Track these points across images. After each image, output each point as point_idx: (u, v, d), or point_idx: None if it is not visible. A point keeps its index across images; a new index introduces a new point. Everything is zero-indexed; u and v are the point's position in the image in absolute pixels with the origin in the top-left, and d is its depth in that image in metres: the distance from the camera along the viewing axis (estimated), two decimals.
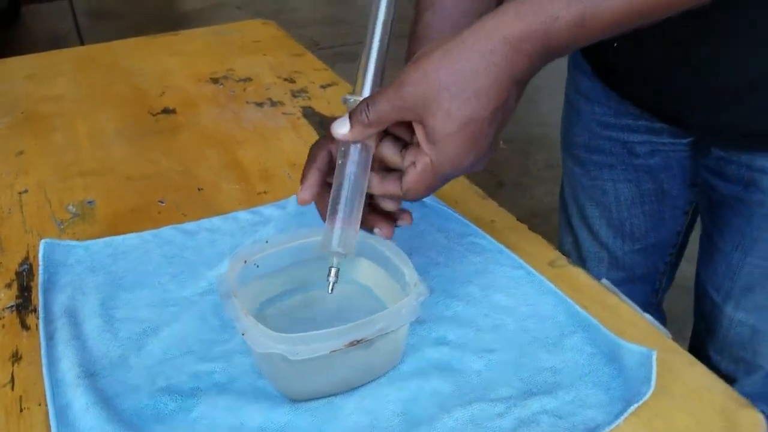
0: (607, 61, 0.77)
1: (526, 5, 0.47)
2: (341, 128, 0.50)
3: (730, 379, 0.92)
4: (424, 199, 0.73)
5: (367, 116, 0.49)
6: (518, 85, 0.48)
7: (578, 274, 0.66)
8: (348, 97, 0.52)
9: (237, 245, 0.68)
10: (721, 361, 0.91)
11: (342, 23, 3.49)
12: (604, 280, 0.65)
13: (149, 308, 0.62)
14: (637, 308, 0.62)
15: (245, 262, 0.55)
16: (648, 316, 0.61)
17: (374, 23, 0.51)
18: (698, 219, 0.91)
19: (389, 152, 0.52)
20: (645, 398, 0.51)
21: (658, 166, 0.83)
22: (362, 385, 0.53)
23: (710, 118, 0.71)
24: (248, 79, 1.05)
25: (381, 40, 0.51)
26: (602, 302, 0.63)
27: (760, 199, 0.74)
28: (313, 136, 0.89)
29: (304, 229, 0.58)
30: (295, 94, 1.01)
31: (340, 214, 0.51)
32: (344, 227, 0.51)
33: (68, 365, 0.55)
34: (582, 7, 0.46)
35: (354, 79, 0.52)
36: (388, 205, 0.54)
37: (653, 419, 0.51)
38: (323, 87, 1.03)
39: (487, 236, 0.69)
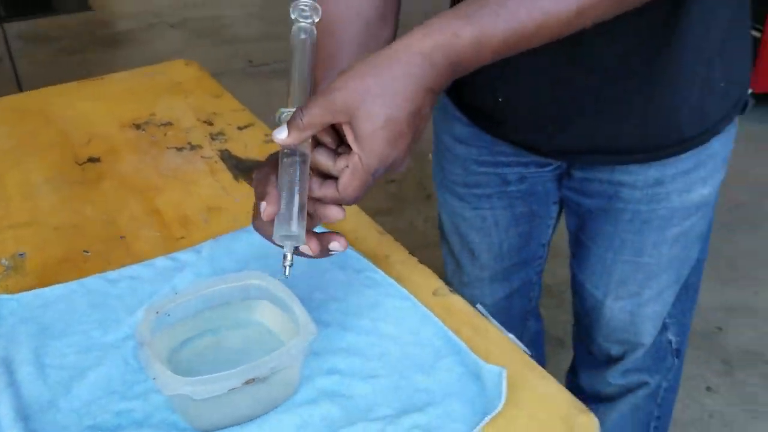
0: (484, 110, 0.88)
1: (432, 25, 0.56)
2: (280, 134, 0.58)
3: (617, 360, 1.06)
4: None
5: (301, 120, 0.56)
6: (431, 93, 0.57)
7: (457, 301, 0.76)
8: (283, 110, 0.60)
9: (155, 291, 0.76)
10: (611, 347, 1.04)
11: (277, 40, 3.55)
12: (478, 306, 0.75)
13: (76, 354, 0.69)
14: (503, 329, 0.72)
15: (157, 312, 0.63)
16: (511, 336, 0.71)
17: (300, 44, 0.61)
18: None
19: (322, 158, 0.60)
20: (497, 410, 0.61)
21: (528, 192, 0.95)
22: (262, 415, 0.61)
23: (575, 143, 0.83)
24: (169, 124, 1.13)
25: (309, 57, 0.61)
26: (474, 326, 0.73)
27: (623, 207, 0.87)
28: (229, 180, 0.98)
29: (209, 280, 0.67)
30: (213, 137, 1.09)
31: (295, 207, 0.58)
32: (298, 216, 0.59)
33: (5, 410, 0.63)
34: (477, 28, 0.55)
35: (286, 95, 0.61)
36: (330, 213, 0.61)
37: (507, 427, 0.61)
38: (240, 128, 1.12)
39: (380, 271, 0.79)
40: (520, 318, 1.15)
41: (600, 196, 0.89)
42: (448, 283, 1.11)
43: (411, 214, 2.25)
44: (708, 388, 1.68)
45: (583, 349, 1.11)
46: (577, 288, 1.03)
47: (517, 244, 1.02)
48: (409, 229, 2.17)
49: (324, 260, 0.80)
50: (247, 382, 0.57)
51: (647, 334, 1.01)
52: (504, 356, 0.69)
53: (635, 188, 0.85)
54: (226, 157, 1.03)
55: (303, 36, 0.61)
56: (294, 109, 0.58)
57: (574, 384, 1.17)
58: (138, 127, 1.12)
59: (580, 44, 0.65)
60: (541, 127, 0.83)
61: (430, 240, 2.24)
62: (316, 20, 0.62)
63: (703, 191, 0.86)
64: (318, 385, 0.64)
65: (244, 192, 0.95)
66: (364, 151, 0.56)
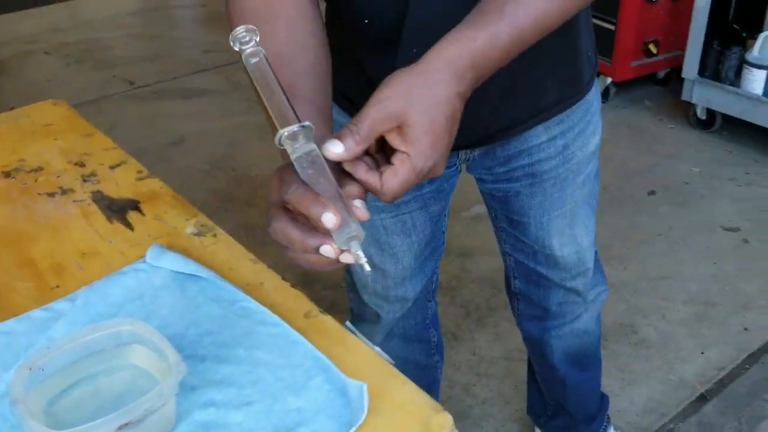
0: None
1: (453, 36, 0.65)
2: (336, 148, 0.61)
3: (578, 293, 1.25)
4: (201, 273, 0.86)
5: (358, 134, 0.61)
6: (461, 97, 0.65)
7: (327, 321, 0.82)
8: (281, 131, 0.61)
9: (31, 344, 0.77)
10: (568, 281, 1.23)
11: (158, 59, 3.51)
12: (347, 323, 0.81)
13: None
14: (369, 343, 0.78)
15: (30, 368, 0.66)
16: (377, 348, 0.78)
17: (256, 68, 0.63)
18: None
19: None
20: (360, 422, 0.67)
21: (437, 190, 1.08)
22: None
23: (507, 122, 0.99)
24: (39, 169, 1.13)
25: (272, 75, 0.64)
26: (344, 343, 0.79)
27: (545, 178, 1.06)
28: (102, 222, 0.99)
29: (82, 330, 0.70)
30: (85, 179, 1.10)
31: (343, 209, 0.61)
32: (351, 216, 0.61)
33: None
34: (487, 31, 0.66)
35: (277, 119, 0.62)
36: (357, 213, 0.63)
37: None
38: (112, 167, 1.13)
39: (254, 300, 0.83)
40: (425, 300, 1.30)
41: (525, 178, 1.05)
42: (369, 293, 1.18)
43: None
44: None
45: (542, 294, 1.27)
46: (525, 249, 1.19)
47: (429, 238, 1.15)
48: None
49: (198, 296, 0.85)
50: (122, 427, 0.61)
51: (590, 259, 1.23)
52: (370, 369, 0.75)
53: (551, 159, 1.04)
54: (99, 199, 1.05)
55: (254, 60, 0.64)
56: (294, 127, 0.61)
57: (545, 319, 1.32)
58: (7, 174, 1.12)
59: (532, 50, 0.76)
60: (477, 120, 0.93)
61: None
62: (258, 39, 0.64)
63: (595, 139, 1.10)
64: (195, 419, 0.68)
65: (118, 233, 0.97)
66: (413, 150, 0.62)
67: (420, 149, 0.62)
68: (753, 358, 1.82)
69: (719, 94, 2.73)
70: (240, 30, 0.64)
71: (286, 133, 0.61)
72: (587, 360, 1.42)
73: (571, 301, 1.27)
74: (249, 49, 0.64)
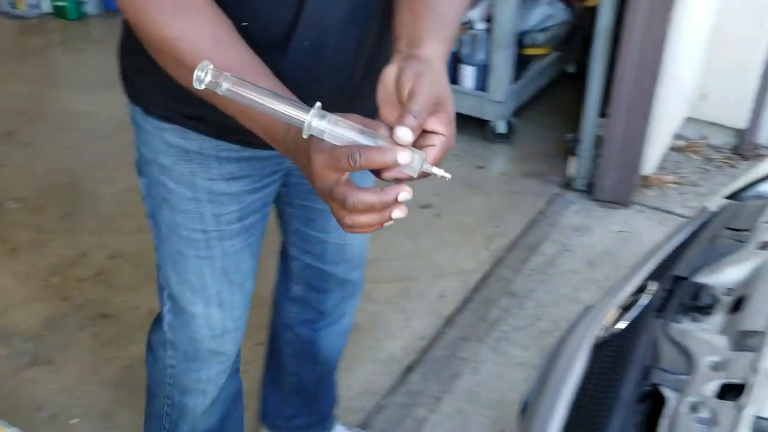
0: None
1: (438, 36, 0.79)
2: (408, 136, 0.68)
3: (354, 284, 1.36)
4: None
5: (420, 117, 0.70)
6: None
7: None
8: (306, 124, 0.66)
9: None
10: (350, 273, 1.33)
11: None
12: None
13: None
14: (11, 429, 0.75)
15: None
16: (12, 429, 0.75)
17: (234, 91, 0.67)
18: None
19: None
20: None
21: (268, 205, 1.13)
22: None
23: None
24: None
25: (251, 86, 0.68)
26: None
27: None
28: None
29: None
30: None
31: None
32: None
33: None
34: (452, 30, 0.82)
35: (289, 118, 0.68)
36: (406, 138, 0.70)
37: None
38: None
39: None
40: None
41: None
42: (219, 334, 1.16)
43: None
44: None
45: (320, 297, 1.34)
46: (315, 249, 1.25)
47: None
48: None
49: None
50: None
51: (368, 250, 1.31)
52: None
53: None
54: None
55: (227, 85, 0.66)
56: (311, 113, 0.66)
57: (317, 320, 1.39)
58: None
59: (384, 37, 0.88)
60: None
61: (18, 298, 2.09)
62: (212, 68, 0.66)
63: None
64: None
65: None
66: (449, 133, 0.72)
67: (452, 130, 0.73)
68: (449, 321, 2.05)
69: None
70: (197, 72, 0.66)
71: (307, 123, 0.66)
72: (338, 357, 1.51)
73: (346, 295, 1.36)
74: (215, 80, 0.66)
